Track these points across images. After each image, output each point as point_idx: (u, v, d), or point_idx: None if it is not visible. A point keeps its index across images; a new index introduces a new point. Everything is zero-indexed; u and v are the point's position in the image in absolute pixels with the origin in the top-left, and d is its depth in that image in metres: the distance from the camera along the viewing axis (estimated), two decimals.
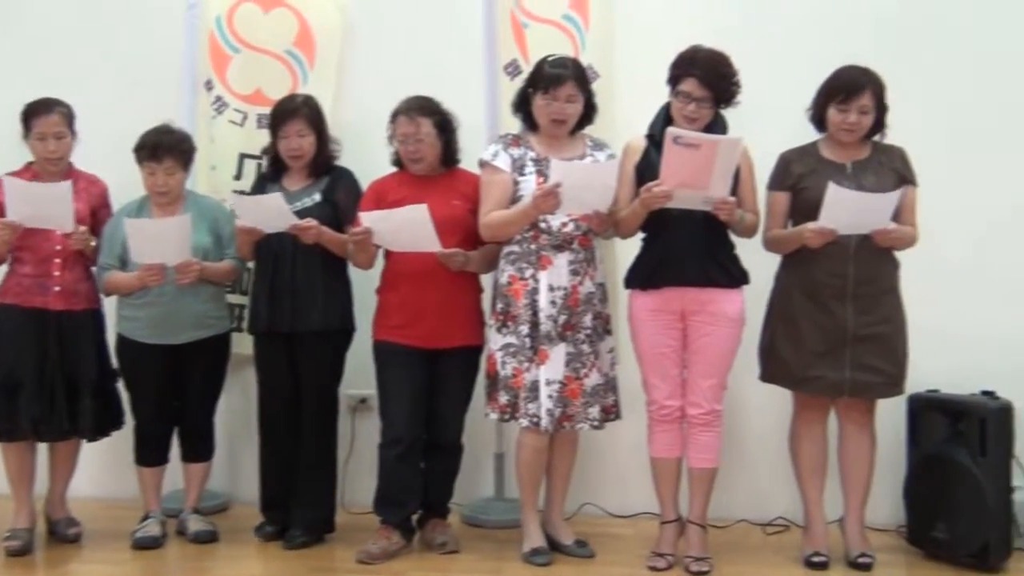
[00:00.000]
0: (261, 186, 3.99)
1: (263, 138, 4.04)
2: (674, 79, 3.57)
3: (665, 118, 3.59)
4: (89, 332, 3.88)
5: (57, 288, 3.81)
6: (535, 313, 3.61)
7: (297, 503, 3.90)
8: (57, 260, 3.82)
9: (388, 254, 3.82)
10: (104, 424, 3.92)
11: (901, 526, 3.98)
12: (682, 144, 3.36)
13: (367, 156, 3.96)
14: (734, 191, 3.50)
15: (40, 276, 3.81)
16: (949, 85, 4.13)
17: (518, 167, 3.66)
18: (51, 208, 3.67)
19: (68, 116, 3.85)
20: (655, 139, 3.58)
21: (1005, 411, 3.69)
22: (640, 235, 3.69)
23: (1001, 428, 3.67)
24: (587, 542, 3.83)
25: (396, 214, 3.63)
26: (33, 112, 3.80)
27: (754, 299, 3.69)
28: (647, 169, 3.55)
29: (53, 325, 3.80)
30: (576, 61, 3.73)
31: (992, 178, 4.11)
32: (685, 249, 3.56)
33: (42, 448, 3.93)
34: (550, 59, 3.67)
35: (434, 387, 3.79)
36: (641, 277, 3.66)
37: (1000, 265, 4.12)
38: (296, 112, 3.85)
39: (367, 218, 3.66)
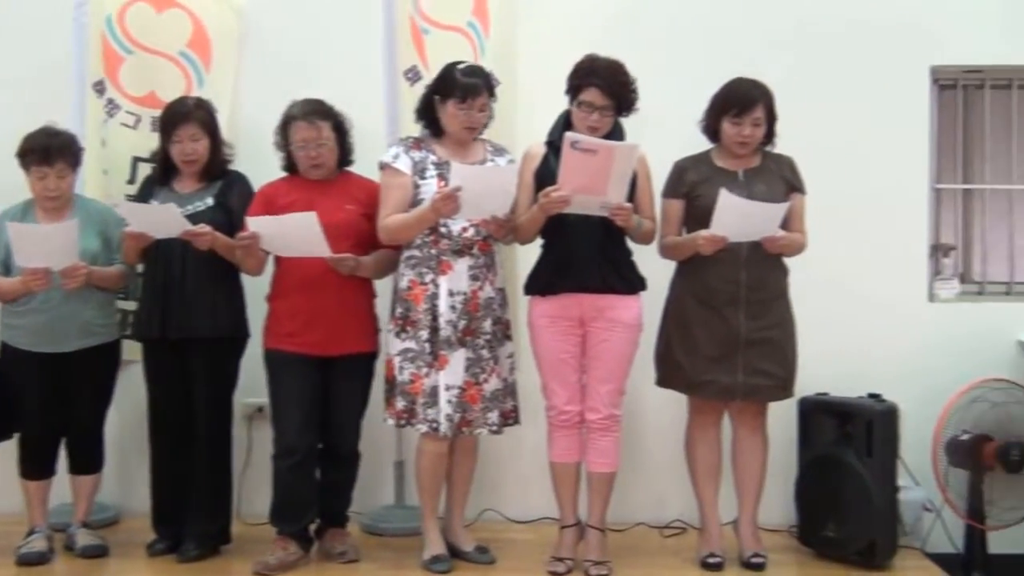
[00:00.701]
0: (149, 189, 3.88)
1: (157, 142, 3.95)
2: (575, 89, 3.60)
3: (564, 125, 3.63)
4: None
5: None
6: (435, 318, 3.61)
7: (191, 515, 3.81)
8: None
9: (278, 260, 3.75)
10: None
11: (793, 526, 4.08)
12: (580, 149, 3.40)
13: (264, 160, 3.88)
14: (631, 197, 3.55)
15: None
16: (836, 95, 4.27)
17: (419, 170, 3.65)
18: None
19: None
20: (554, 146, 3.61)
21: (891, 413, 3.81)
22: (539, 241, 3.71)
23: (887, 429, 3.79)
24: (488, 548, 3.83)
25: (284, 220, 3.57)
26: None
27: (651, 305, 3.75)
28: (546, 175, 3.58)
29: None
30: (484, 69, 3.71)
31: (875, 186, 4.26)
32: (583, 255, 3.60)
33: None
34: (461, 67, 3.66)
35: (328, 395, 3.74)
36: (540, 283, 3.69)
37: (884, 271, 4.26)
38: (189, 116, 3.78)
39: (254, 223, 3.60)
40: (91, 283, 3.70)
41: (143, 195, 3.88)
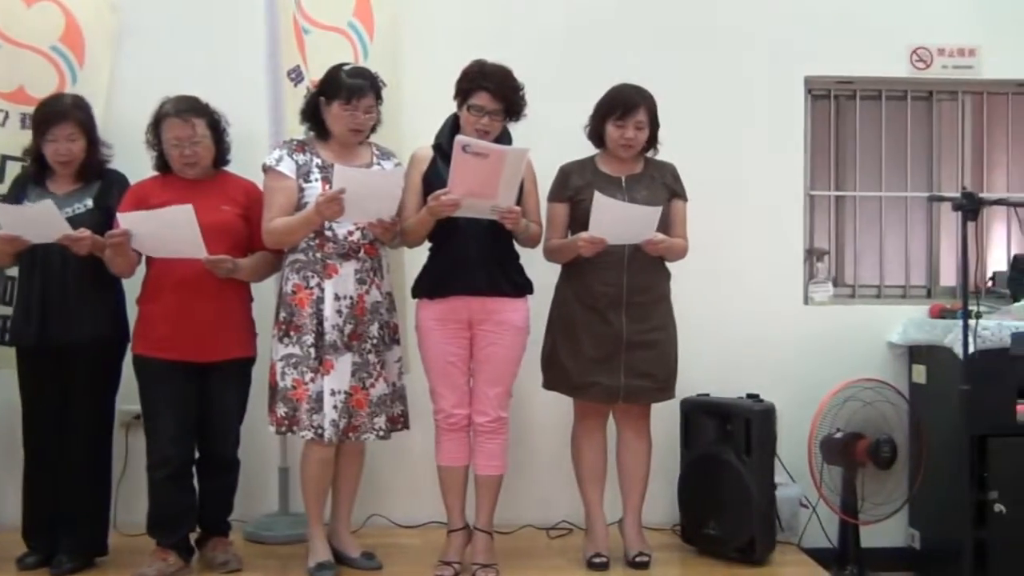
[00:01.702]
0: (22, 188, 3.73)
1: (27, 139, 3.80)
2: (464, 92, 3.61)
3: (452, 128, 3.64)
4: None
5: None
6: (320, 323, 3.56)
7: (64, 526, 3.68)
8: None
9: (150, 261, 3.64)
10: None
11: (676, 525, 4.16)
12: (471, 153, 3.40)
13: (140, 160, 3.76)
14: (518, 201, 3.58)
15: None
16: (716, 105, 4.37)
17: (303, 173, 3.60)
18: None
19: None
20: (442, 149, 3.62)
21: (768, 413, 3.92)
22: (427, 244, 3.70)
23: (764, 429, 3.89)
24: (374, 554, 3.80)
25: (158, 215, 3.46)
26: None
27: (537, 308, 3.78)
28: (434, 178, 3.58)
29: None
30: (371, 72, 3.68)
31: (752, 192, 4.39)
32: (472, 258, 3.60)
33: None
34: (346, 68, 3.62)
35: (205, 402, 3.65)
36: (428, 286, 3.68)
37: (762, 275, 4.39)
38: (66, 114, 3.64)
39: (126, 220, 3.48)
40: None
41: (15, 195, 3.73)
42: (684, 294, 3.90)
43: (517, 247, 3.72)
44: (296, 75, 4.06)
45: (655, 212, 3.64)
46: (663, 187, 3.79)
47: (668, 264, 3.82)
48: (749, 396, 4.01)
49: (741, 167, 4.38)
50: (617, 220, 3.58)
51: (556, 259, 3.80)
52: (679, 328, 3.85)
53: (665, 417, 3.99)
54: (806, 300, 4.50)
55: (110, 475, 3.80)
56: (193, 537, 3.76)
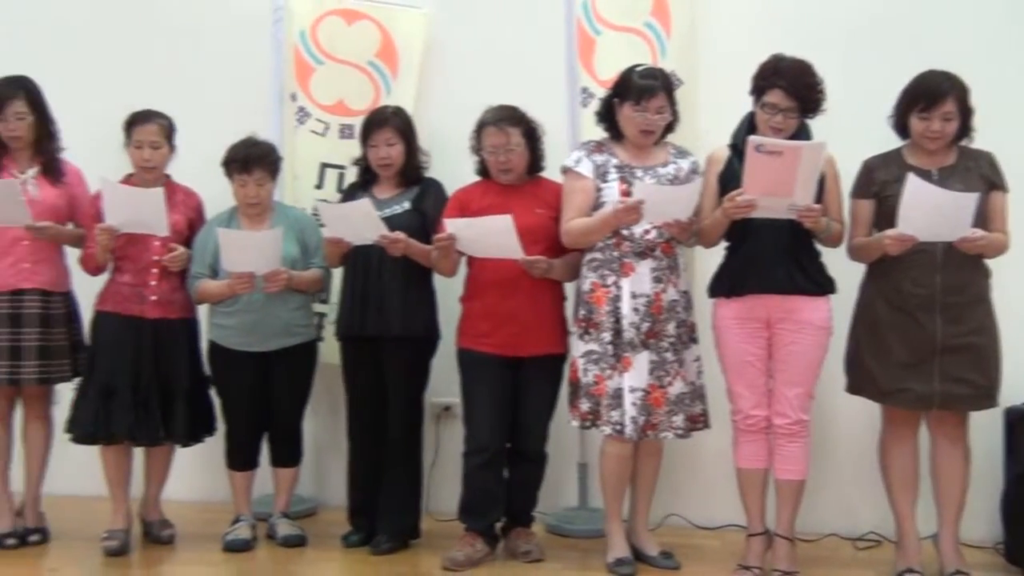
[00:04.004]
0: (351, 194, 4.03)
1: (345, 148, 4.13)
2: (759, 90, 3.53)
3: (748, 128, 3.55)
4: (183, 340, 3.98)
5: (154, 297, 3.92)
6: (618, 320, 3.60)
7: (383, 509, 3.95)
8: (154, 270, 3.92)
9: (471, 261, 3.84)
10: (197, 430, 4.01)
11: (999, 543, 3.86)
12: (764, 152, 3.32)
13: (447, 166, 3.99)
14: (819, 199, 3.44)
15: (138, 285, 3.91)
16: None
17: (601, 174, 3.66)
18: (145, 213, 3.78)
19: (167, 128, 3.97)
20: (738, 148, 3.54)
21: None
22: (723, 244, 3.65)
23: None
24: (672, 553, 3.80)
25: (480, 222, 3.65)
26: (133, 121, 3.94)
27: (842, 308, 3.61)
28: (730, 179, 3.52)
29: (149, 333, 3.91)
30: (664, 72, 3.70)
31: None
32: (770, 256, 3.51)
33: (138, 452, 4.04)
34: (639, 69, 3.65)
35: (518, 395, 3.79)
36: (725, 285, 3.62)
37: None
38: (386, 122, 3.92)
39: (451, 224, 3.69)
40: (290, 286, 3.88)
41: (346, 200, 4.03)
42: (1009, 293, 3.59)
43: (818, 245, 3.58)
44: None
45: (971, 200, 3.35)
46: (980, 178, 3.51)
47: (988, 261, 3.53)
48: None
49: None
50: (930, 211, 3.33)
51: (861, 258, 3.62)
52: (1003, 330, 3.55)
53: (985, 425, 3.71)
54: None
55: (421, 463, 4.02)
56: (498, 526, 3.91)
